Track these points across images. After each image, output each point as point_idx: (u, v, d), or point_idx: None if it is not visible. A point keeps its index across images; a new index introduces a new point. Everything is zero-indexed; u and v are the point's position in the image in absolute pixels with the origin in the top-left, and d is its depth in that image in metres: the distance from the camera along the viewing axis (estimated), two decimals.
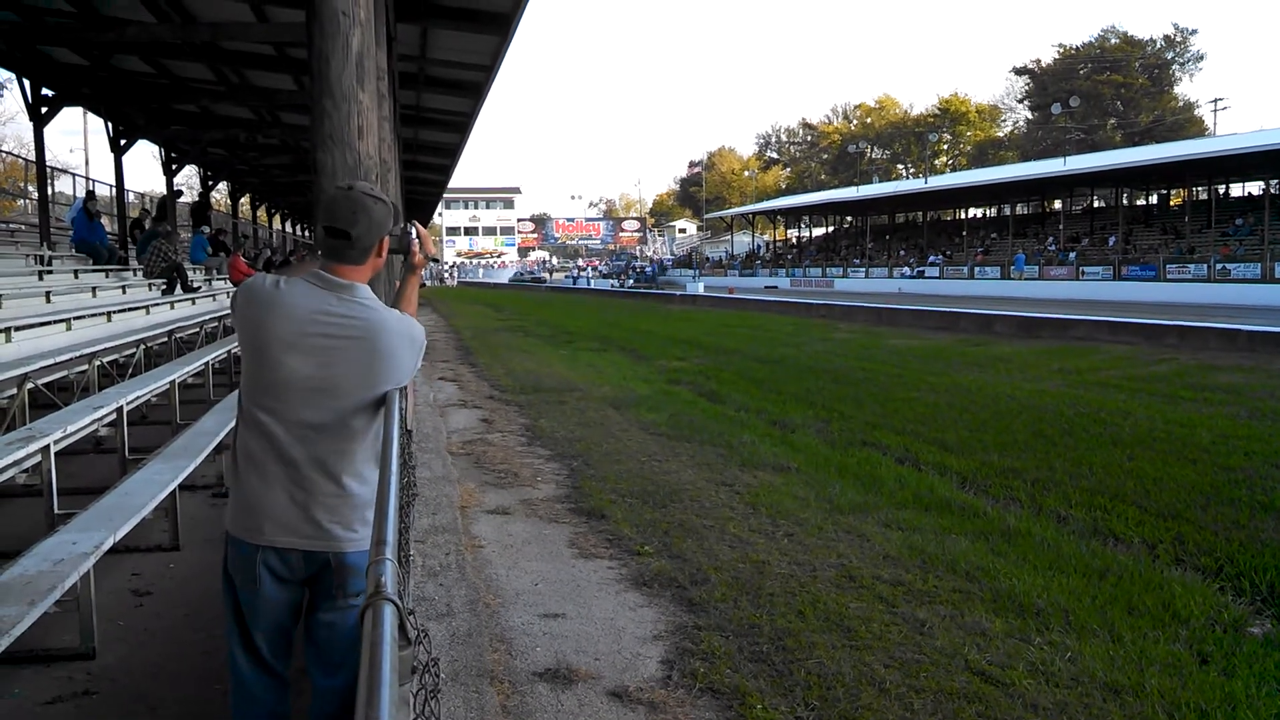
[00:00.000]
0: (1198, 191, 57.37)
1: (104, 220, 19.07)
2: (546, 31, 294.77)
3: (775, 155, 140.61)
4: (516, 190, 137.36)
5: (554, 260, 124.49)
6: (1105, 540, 7.01)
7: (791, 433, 11.41)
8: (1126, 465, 9.19)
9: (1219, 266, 42.90)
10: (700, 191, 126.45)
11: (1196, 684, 4.53)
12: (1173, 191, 61.15)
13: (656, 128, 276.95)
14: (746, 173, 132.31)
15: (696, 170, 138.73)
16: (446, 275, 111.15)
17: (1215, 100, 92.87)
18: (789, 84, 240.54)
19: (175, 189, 24.15)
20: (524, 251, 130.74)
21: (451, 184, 37.93)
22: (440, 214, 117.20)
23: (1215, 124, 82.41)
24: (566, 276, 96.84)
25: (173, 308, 15.39)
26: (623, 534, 7.11)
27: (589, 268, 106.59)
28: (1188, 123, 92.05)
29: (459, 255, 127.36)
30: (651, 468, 9.42)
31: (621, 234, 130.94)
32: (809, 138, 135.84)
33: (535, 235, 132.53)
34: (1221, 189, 57.09)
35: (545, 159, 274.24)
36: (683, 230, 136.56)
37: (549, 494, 8.50)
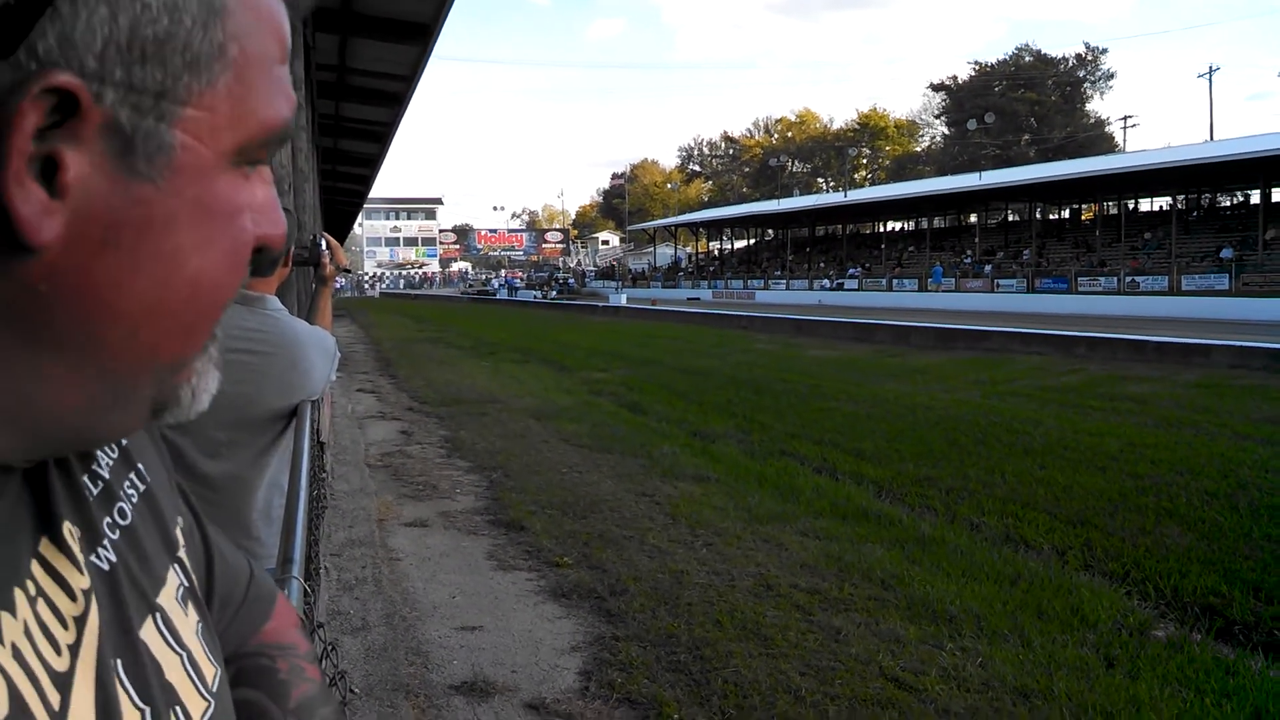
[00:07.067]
0: (1108, 206, 59.03)
1: None
2: (469, 42, 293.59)
3: (697, 168, 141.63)
4: (439, 201, 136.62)
5: (472, 271, 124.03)
6: (1017, 547, 7.13)
7: (712, 443, 11.45)
8: (1038, 473, 9.35)
9: (1128, 279, 44.10)
10: (623, 203, 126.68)
11: (1103, 687, 4.62)
12: (1084, 206, 62.91)
13: (579, 140, 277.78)
14: (669, 185, 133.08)
15: (619, 182, 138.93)
16: (367, 285, 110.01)
17: (1125, 118, 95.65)
18: (711, 97, 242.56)
19: None
20: (446, 262, 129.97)
21: (372, 194, 37.49)
22: (361, 224, 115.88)
23: (1125, 141, 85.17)
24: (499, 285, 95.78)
25: None
26: (542, 545, 7.07)
27: (510, 278, 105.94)
28: (1099, 139, 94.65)
29: (379, 266, 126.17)
30: (572, 479, 9.38)
31: (544, 245, 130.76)
32: (731, 151, 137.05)
33: (457, 246, 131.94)
34: (1131, 204, 58.73)
35: (468, 170, 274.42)
36: (605, 242, 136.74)
37: (468, 506, 8.43)
